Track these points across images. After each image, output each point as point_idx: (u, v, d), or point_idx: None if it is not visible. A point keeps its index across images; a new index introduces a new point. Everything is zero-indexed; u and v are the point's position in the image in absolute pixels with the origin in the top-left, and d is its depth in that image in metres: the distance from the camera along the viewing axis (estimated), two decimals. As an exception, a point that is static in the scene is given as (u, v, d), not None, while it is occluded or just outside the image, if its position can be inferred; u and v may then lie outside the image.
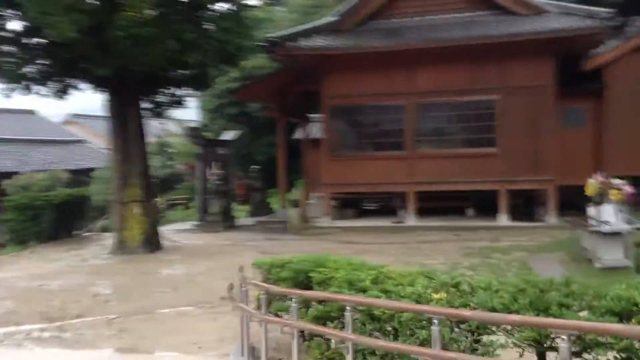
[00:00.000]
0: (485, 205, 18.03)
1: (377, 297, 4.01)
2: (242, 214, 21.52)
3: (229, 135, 23.62)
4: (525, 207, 17.12)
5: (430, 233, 14.70)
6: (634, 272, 8.51)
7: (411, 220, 15.73)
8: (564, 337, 2.82)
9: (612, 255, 8.77)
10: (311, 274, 5.27)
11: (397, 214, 17.39)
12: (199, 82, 15.46)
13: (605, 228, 8.61)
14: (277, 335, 6.18)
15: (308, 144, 20.50)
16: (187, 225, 18.88)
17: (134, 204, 13.45)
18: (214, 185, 17.91)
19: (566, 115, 15.43)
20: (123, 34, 10.91)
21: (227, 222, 17.87)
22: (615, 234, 8.71)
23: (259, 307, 5.63)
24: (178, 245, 14.79)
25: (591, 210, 10.14)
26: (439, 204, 17.29)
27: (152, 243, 13.74)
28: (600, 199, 10.33)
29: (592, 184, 10.09)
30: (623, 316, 3.28)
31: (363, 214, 18.27)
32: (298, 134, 23.24)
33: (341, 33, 15.93)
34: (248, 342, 5.87)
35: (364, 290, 4.34)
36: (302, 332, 5.13)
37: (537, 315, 3.39)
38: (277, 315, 5.66)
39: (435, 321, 3.30)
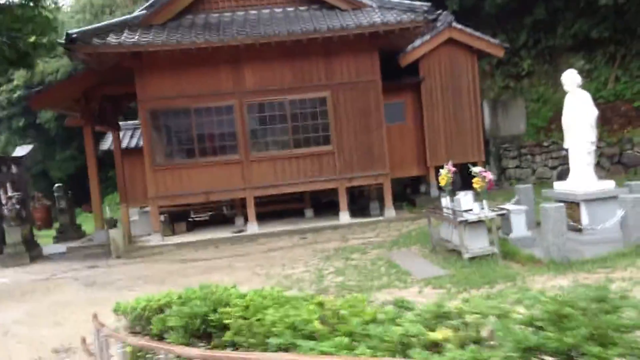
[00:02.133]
0: (323, 204, 17.84)
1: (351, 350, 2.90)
2: (47, 240, 18.51)
3: (20, 151, 20.24)
4: (359, 203, 17.22)
5: (276, 239, 13.82)
6: (502, 259, 8.51)
7: (252, 227, 14.69)
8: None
9: (479, 243, 8.71)
10: (215, 318, 3.99)
11: (234, 223, 16.25)
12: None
13: (472, 217, 8.49)
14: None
15: (122, 155, 18.27)
16: (-22, 262, 15.54)
17: None
18: (11, 211, 14.93)
19: (387, 110, 15.62)
20: None
21: (33, 251, 15.05)
22: (478, 222, 8.65)
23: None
24: (-28, 290, 11.91)
25: (445, 200, 10.11)
26: (275, 207, 16.57)
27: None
28: (453, 187, 10.41)
29: (445, 174, 10.07)
30: None
31: (195, 226, 16.75)
32: (108, 144, 20.74)
33: (154, 28, 14.24)
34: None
35: (311, 337, 3.23)
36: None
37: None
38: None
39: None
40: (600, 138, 17.08)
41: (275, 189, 14.85)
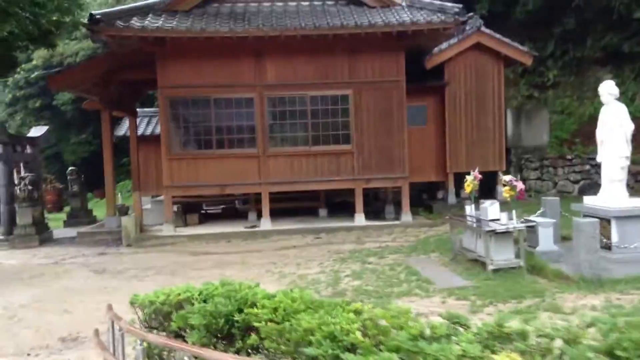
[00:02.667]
0: (335, 204, 17.55)
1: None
2: (57, 224, 18.36)
3: (35, 131, 20.08)
4: (373, 206, 16.91)
5: (289, 237, 13.54)
6: (527, 272, 8.19)
7: (266, 224, 14.42)
8: None
9: (504, 255, 8.39)
10: (241, 319, 3.71)
11: (247, 218, 15.99)
12: (2, 65, 12.45)
13: (500, 227, 8.17)
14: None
15: (138, 142, 18.07)
16: (-12, 241, 15.39)
17: None
18: (24, 191, 14.76)
19: (409, 112, 15.29)
20: None
21: (43, 234, 14.87)
22: (505, 233, 8.33)
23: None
24: (-20, 270, 11.73)
25: (469, 208, 9.79)
26: (289, 205, 16.30)
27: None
28: (478, 195, 10.09)
29: (471, 181, 9.75)
30: None
31: (207, 219, 16.51)
32: (123, 130, 20.56)
33: (179, 14, 14.00)
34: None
35: (351, 349, 2.94)
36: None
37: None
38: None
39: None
40: (626, 154, 16.79)
41: (291, 186, 14.59)
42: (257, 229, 14.48)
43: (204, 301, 4.21)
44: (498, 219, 8.71)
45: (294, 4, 14.84)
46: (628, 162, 8.81)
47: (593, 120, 19.16)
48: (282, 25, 13.47)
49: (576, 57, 19.62)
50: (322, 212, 16.24)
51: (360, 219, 14.58)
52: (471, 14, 14.47)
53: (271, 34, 13.42)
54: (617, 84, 19.56)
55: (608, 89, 8.92)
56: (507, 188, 8.43)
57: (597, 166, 16.92)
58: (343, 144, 14.50)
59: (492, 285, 7.77)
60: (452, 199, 16.77)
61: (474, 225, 8.99)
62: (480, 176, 9.83)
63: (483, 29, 16.36)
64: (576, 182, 17.13)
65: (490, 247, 8.32)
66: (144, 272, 10.48)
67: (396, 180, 14.68)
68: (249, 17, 14.02)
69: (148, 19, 13.47)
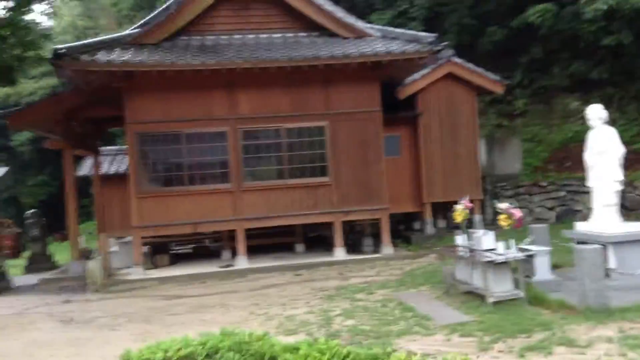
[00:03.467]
0: (310, 239, 17.05)
1: None
2: (16, 271, 17.27)
3: (-8, 173, 19.10)
4: (350, 239, 16.49)
5: (268, 275, 12.94)
6: (527, 304, 7.84)
7: (242, 262, 13.78)
8: None
9: (503, 287, 8.03)
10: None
11: (220, 257, 15.32)
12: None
13: (499, 257, 7.82)
14: None
15: (101, 181, 17.29)
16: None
17: None
18: (-20, 238, 13.77)
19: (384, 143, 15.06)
20: None
21: (2, 282, 13.87)
22: (503, 264, 7.98)
23: None
24: None
25: (460, 239, 9.45)
26: (265, 241, 15.71)
27: None
28: (469, 224, 9.79)
29: (460, 210, 9.44)
30: None
31: (178, 259, 15.74)
32: (84, 170, 19.76)
33: (147, 48, 13.53)
34: None
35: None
36: None
37: None
38: None
39: None
40: (599, 179, 16.86)
41: (267, 221, 14.04)
42: (232, 268, 13.83)
43: (208, 356, 3.66)
44: (493, 249, 8.39)
45: (265, 36, 14.55)
46: (621, 187, 8.64)
47: (563, 147, 19.47)
48: (256, 57, 13.13)
49: (543, 86, 19.88)
50: (300, 247, 15.71)
51: (340, 253, 14.09)
52: (446, 42, 14.42)
53: (244, 66, 13.06)
54: (585, 111, 19.92)
55: (596, 113, 8.83)
56: (503, 216, 8.13)
57: (573, 192, 17.07)
58: (320, 177, 14.10)
59: (495, 319, 7.36)
60: (430, 229, 16.49)
61: (469, 256, 8.62)
62: (471, 205, 9.55)
63: (454, 59, 16.40)
64: (552, 208, 17.09)
65: (489, 279, 7.94)
66: (116, 320, 9.71)
67: (375, 212, 14.31)
68: (220, 49, 13.65)
69: (115, 52, 12.96)
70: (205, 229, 14.29)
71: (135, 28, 14.21)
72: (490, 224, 17.45)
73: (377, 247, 14.77)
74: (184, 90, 13.64)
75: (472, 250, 8.81)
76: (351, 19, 14.53)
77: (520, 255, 7.94)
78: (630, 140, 17.37)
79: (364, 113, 14.21)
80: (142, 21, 14.43)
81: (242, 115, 13.91)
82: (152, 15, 14.34)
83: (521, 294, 7.92)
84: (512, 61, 19.92)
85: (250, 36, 14.52)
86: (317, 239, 17.92)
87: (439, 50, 13.77)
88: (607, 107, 18.76)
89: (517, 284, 8.08)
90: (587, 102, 19.34)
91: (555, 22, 16.68)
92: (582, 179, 16.96)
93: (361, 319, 8.25)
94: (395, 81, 16.06)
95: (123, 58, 12.71)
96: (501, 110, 20.98)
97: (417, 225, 17.47)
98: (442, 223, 17.46)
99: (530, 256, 8.28)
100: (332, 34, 14.45)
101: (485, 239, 8.46)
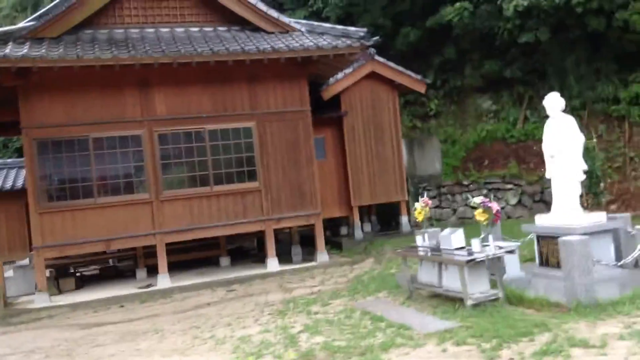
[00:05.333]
0: (233, 251, 15.88)
1: None
2: None
3: None
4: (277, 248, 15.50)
5: (197, 294, 11.64)
6: (507, 303, 7.34)
7: (164, 281, 12.34)
8: None
9: (480, 287, 7.46)
10: None
11: (134, 277, 13.74)
12: None
13: (481, 255, 7.23)
14: None
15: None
16: None
17: None
18: None
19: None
20: None
21: None
22: (479, 263, 7.42)
23: None
24: None
25: (421, 238, 8.84)
26: (185, 257, 14.34)
27: None
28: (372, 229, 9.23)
29: (422, 208, 8.84)
30: None
31: (85, 282, 13.92)
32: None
33: (47, 42, 11.80)
34: None
35: None
36: None
37: None
38: None
39: None
40: (520, 176, 17.18)
41: (191, 234, 12.73)
42: (153, 288, 12.35)
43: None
44: (463, 247, 7.84)
45: (181, 29, 13.26)
46: (584, 177, 8.42)
47: (478, 146, 19.74)
48: (176, 51, 11.84)
49: (456, 86, 20.08)
50: (224, 261, 14.49)
51: (273, 264, 13.05)
52: (377, 37, 13.91)
53: (163, 61, 11.75)
54: (497, 110, 20.36)
55: (554, 102, 8.54)
56: (479, 211, 7.59)
57: (495, 189, 17.24)
58: (249, 182, 13.02)
59: (483, 323, 6.73)
60: (358, 234, 15.91)
61: (436, 256, 8.00)
62: (430, 202, 8.98)
63: (377, 57, 16.01)
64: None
65: (465, 280, 7.34)
66: (28, 357, 8.08)
67: (309, 217, 13.45)
68: (132, 43, 12.18)
69: (8, 47, 11.14)
70: (120, 246, 12.66)
71: (30, 20, 12.39)
72: (415, 225, 17.24)
73: (306, 256, 13.94)
74: (91, 89, 12.05)
75: (436, 250, 8.21)
76: (275, 13, 13.63)
77: (501, 252, 7.42)
78: (543, 137, 17.87)
79: (294, 113, 13.35)
80: (38, 12, 12.61)
81: (159, 116, 12.54)
82: (50, 6, 12.58)
83: (500, 294, 7.39)
84: (426, 62, 19.94)
85: (165, 30, 13.17)
86: (237, 250, 16.76)
87: (370, 46, 13.23)
88: (519, 106, 19.46)
89: (493, 284, 7.56)
90: (498, 102, 19.88)
91: (472, 20, 16.79)
92: (504, 177, 17.38)
93: (330, 334, 7.32)
94: (318, 81, 15.39)
95: (19, 52, 10.93)
96: (414, 111, 20.97)
97: (344, 231, 16.86)
98: (367, 227, 16.98)
99: (511, 252, 7.79)
100: (255, 29, 13.46)
101: (455, 237, 7.88)
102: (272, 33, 13.35)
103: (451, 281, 7.76)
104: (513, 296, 7.53)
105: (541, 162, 17.55)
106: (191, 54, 11.87)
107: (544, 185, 16.39)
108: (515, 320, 6.67)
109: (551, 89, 18.02)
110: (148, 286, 12.50)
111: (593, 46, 16.45)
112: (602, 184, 16.14)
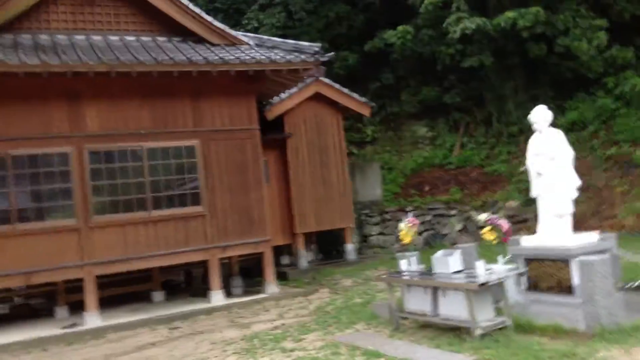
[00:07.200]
0: (164, 284, 14.33)
1: None
2: None
3: None
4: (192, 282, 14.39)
5: (134, 333, 10.13)
6: (514, 332, 6.69)
7: (93, 319, 10.70)
8: None
9: (486, 314, 6.77)
10: None
11: (53, 315, 11.92)
12: None
13: (492, 278, 6.53)
14: None
15: None
16: None
17: None
18: None
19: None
20: None
21: None
22: (484, 288, 6.73)
23: None
24: None
25: (406, 263, 8.08)
26: (112, 292, 12.68)
27: None
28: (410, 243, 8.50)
29: (407, 229, 8.10)
30: None
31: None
32: None
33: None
34: None
35: None
36: None
37: None
38: None
39: None
40: (463, 202, 17.00)
41: (126, 265, 11.21)
42: (80, 328, 10.67)
43: None
44: (462, 270, 7.15)
45: (116, 38, 11.93)
46: (577, 194, 8.03)
47: (416, 173, 19.50)
48: (113, 59, 10.52)
49: (393, 112, 19.86)
50: (158, 295, 12.94)
51: (218, 298, 11.76)
52: (332, 53, 13.24)
53: (98, 70, 10.37)
54: (433, 137, 20.27)
55: (541, 116, 8.19)
56: (487, 229, 6.94)
57: (439, 216, 16.96)
58: (192, 206, 11.74)
59: (503, 355, 6.00)
60: (303, 263, 14.96)
61: (431, 280, 7.25)
62: (417, 221, 8.28)
63: (322, 78, 15.38)
64: (420, 233, 16.71)
65: (472, 307, 6.61)
66: None
67: (258, 245, 12.33)
68: (60, 50, 10.72)
69: None
70: (43, 279, 10.87)
71: None
72: (359, 252, 16.55)
73: (247, 288, 12.80)
74: (10, 100, 10.42)
75: (426, 274, 7.47)
76: (221, 24, 12.65)
77: (511, 274, 6.77)
78: (481, 163, 17.96)
79: (242, 131, 12.31)
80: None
81: (91, 132, 11.06)
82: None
83: (508, 321, 6.72)
84: (362, 87, 19.58)
85: (97, 37, 11.79)
86: (166, 284, 15.21)
87: (325, 62, 12.56)
88: (455, 132, 19.46)
89: (499, 311, 6.89)
90: (435, 128, 19.84)
91: (414, 44, 16.65)
92: (447, 202, 17.15)
93: (325, 377, 6.31)
94: (262, 100, 14.48)
95: None
96: (350, 137, 20.46)
97: (285, 260, 15.80)
98: (309, 256, 16.05)
99: (521, 274, 7.16)
100: (199, 40, 12.38)
101: (452, 260, 7.18)
102: (218, 45, 12.34)
103: (450, 309, 7.01)
104: (519, 324, 6.89)
105: (481, 188, 17.67)
106: (132, 62, 10.60)
107: (490, 211, 16.27)
108: (537, 351, 6.00)
109: (490, 115, 18.38)
110: (73, 325, 10.79)
111: (531, 73, 16.78)
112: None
